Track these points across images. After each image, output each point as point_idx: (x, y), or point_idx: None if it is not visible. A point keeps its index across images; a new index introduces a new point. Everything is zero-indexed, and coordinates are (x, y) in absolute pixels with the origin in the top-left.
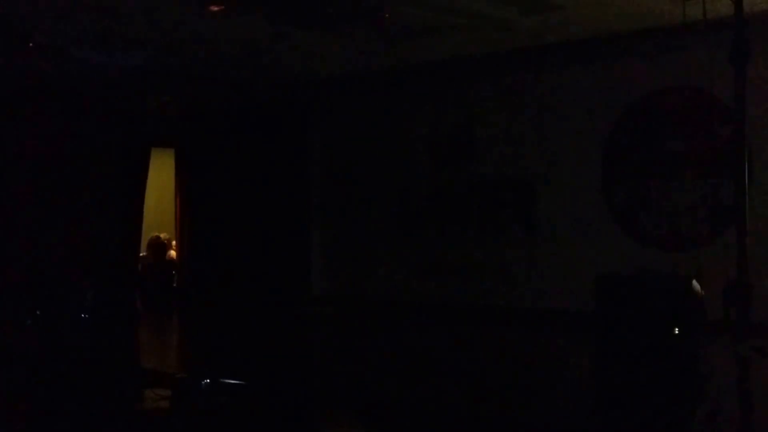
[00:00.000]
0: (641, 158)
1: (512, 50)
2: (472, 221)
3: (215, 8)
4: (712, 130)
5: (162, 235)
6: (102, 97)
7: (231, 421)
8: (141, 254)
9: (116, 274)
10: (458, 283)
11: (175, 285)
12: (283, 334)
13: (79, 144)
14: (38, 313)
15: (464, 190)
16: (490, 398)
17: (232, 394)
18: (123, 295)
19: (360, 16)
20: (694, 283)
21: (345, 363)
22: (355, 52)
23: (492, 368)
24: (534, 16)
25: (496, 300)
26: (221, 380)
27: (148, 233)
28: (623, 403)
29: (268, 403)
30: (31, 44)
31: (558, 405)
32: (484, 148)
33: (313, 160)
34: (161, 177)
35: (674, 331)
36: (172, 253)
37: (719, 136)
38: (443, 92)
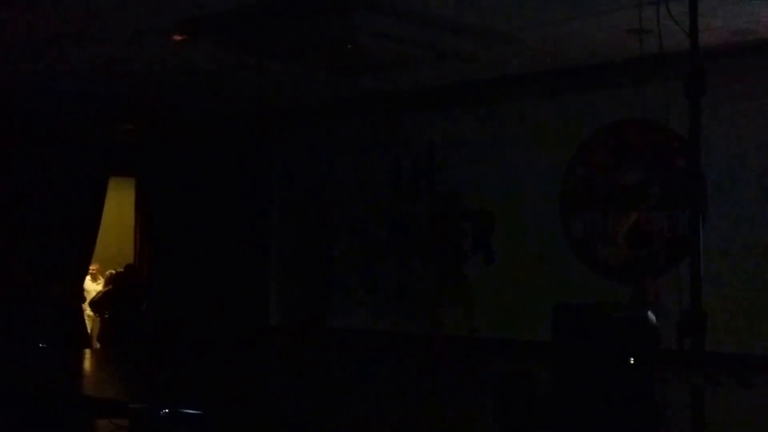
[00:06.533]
0: (598, 190)
1: (472, 82)
2: (432, 251)
3: (179, 38)
4: (668, 162)
5: (92, 267)
6: (61, 124)
7: None
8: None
9: (71, 303)
10: (417, 312)
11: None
12: (240, 364)
13: (37, 171)
14: None
15: (424, 220)
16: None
17: (191, 424)
18: (75, 323)
19: (323, 47)
20: (649, 313)
21: (301, 392)
22: (317, 83)
23: (453, 398)
24: (495, 49)
25: (455, 329)
26: (180, 410)
27: (105, 261)
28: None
29: None
30: None
31: None
32: (444, 178)
33: (273, 190)
34: (121, 206)
35: (630, 360)
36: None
37: (675, 169)
38: (404, 123)
